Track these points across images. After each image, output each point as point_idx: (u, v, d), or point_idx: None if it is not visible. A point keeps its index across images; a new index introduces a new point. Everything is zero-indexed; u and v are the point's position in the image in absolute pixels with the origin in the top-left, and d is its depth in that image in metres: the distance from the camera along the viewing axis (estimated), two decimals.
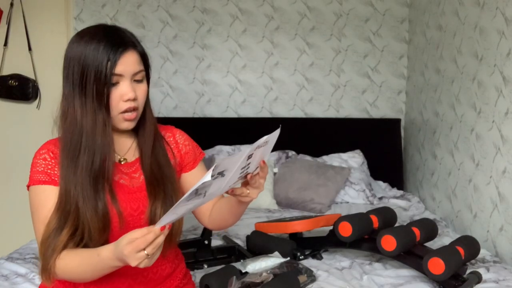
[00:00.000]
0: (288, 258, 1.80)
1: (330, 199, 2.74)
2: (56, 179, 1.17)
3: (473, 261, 1.92)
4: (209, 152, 2.96)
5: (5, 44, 3.03)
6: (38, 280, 1.69)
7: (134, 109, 1.18)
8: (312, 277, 1.70)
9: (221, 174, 0.99)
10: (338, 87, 3.28)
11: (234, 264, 1.73)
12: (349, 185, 2.90)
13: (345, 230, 1.80)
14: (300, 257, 1.90)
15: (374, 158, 3.15)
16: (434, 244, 1.99)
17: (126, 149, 1.28)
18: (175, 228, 1.24)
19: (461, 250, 1.67)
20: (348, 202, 2.88)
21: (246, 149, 1.01)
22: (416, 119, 3.11)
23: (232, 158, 0.99)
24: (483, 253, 2.01)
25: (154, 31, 3.14)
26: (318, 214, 2.47)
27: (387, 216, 1.96)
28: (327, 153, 3.10)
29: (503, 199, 2.10)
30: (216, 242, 2.08)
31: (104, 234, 1.16)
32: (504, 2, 2.08)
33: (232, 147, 3.01)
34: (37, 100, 3.07)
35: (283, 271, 1.67)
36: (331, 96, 3.28)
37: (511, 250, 2.03)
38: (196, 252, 1.93)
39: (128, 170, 1.26)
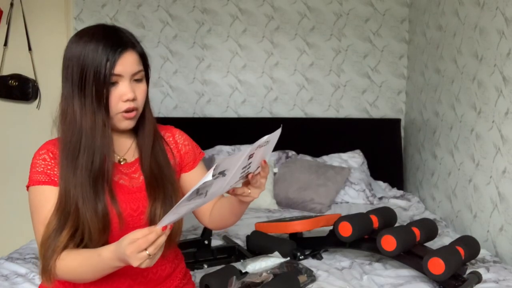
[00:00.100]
0: (288, 258, 1.80)
1: (330, 199, 2.74)
2: (55, 179, 1.17)
3: (473, 261, 1.92)
4: (209, 152, 2.96)
5: (5, 44, 3.03)
6: (38, 280, 1.69)
7: (133, 109, 1.18)
8: (312, 277, 1.70)
9: (222, 173, 0.99)
10: (338, 87, 3.28)
11: (234, 264, 1.73)
12: (349, 185, 2.90)
13: (345, 230, 1.80)
14: (300, 257, 1.90)
15: (374, 158, 3.15)
16: (434, 244, 1.99)
17: (126, 149, 1.28)
18: (175, 228, 1.24)
19: (461, 250, 1.67)
20: (348, 202, 2.88)
21: (246, 148, 1.01)
22: (416, 119, 3.11)
23: (233, 157, 0.99)
24: (483, 253, 2.01)
25: (154, 31, 3.14)
26: (318, 214, 2.47)
27: (387, 216, 1.96)
28: (327, 153, 3.10)
29: (503, 199, 2.10)
30: (216, 242, 2.08)
31: (104, 235, 1.16)
32: (504, 2, 2.08)
33: (232, 147, 3.01)
34: (37, 100, 3.07)
35: (283, 271, 1.67)
36: (331, 96, 3.28)
37: (511, 250, 2.03)
38: (196, 252, 1.93)
39: (128, 171, 1.26)
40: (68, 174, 1.15)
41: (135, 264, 1.01)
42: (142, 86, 1.20)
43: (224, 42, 3.19)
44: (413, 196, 2.99)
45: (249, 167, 1.08)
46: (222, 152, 2.96)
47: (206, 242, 1.98)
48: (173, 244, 1.30)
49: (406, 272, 1.80)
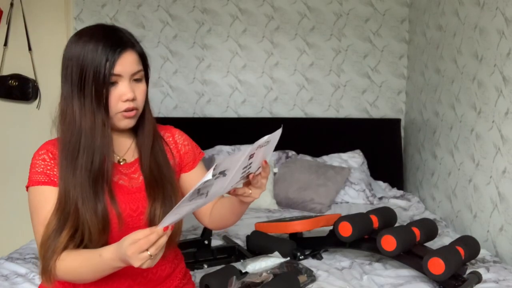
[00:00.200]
0: (288, 258, 1.80)
1: (330, 199, 2.74)
2: (55, 179, 1.17)
3: (473, 261, 1.92)
4: (209, 152, 2.96)
5: (5, 44, 3.03)
6: (38, 280, 1.69)
7: (133, 109, 1.18)
8: (312, 277, 1.70)
9: (223, 173, 0.99)
10: (338, 87, 3.28)
11: (234, 264, 1.73)
12: (349, 185, 2.89)
13: (345, 230, 1.80)
14: (300, 257, 1.90)
15: (374, 158, 3.15)
16: (434, 244, 1.99)
17: (125, 149, 1.27)
18: (175, 228, 1.23)
19: (461, 250, 1.67)
20: (348, 202, 2.87)
21: (246, 148, 1.01)
22: (416, 119, 3.11)
23: (233, 157, 0.99)
24: (483, 253, 2.01)
25: (154, 31, 3.14)
26: (318, 214, 2.47)
27: (387, 216, 1.96)
28: (327, 153, 3.10)
29: (503, 199, 2.10)
30: (216, 242, 2.08)
31: (104, 235, 1.16)
32: (504, 2, 2.08)
33: (232, 147, 3.01)
34: (37, 100, 3.07)
35: (283, 271, 1.67)
36: (331, 96, 3.28)
37: (511, 250, 2.03)
38: (196, 252, 1.93)
39: (127, 171, 1.25)
40: (67, 174, 1.14)
41: (136, 264, 1.01)
42: (141, 86, 1.20)
43: (224, 42, 3.19)
44: (413, 196, 2.99)
45: (250, 167, 1.08)
46: (222, 152, 2.96)
47: (206, 242, 1.98)
48: (173, 244, 1.30)
49: (406, 272, 1.80)
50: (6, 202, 3.09)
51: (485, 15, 2.24)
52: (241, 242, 2.10)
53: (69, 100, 1.15)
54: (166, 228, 1.01)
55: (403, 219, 2.52)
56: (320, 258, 1.95)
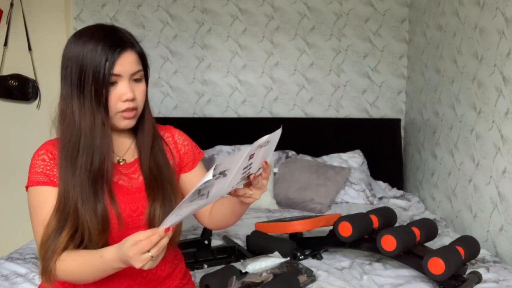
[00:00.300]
0: (288, 258, 1.80)
1: (330, 199, 2.74)
2: (55, 180, 1.17)
3: (473, 261, 1.92)
4: (209, 152, 2.96)
5: (5, 44, 3.03)
6: (38, 280, 1.69)
7: (133, 109, 1.18)
8: (312, 277, 1.70)
9: (223, 174, 0.98)
10: (338, 87, 3.28)
11: (234, 264, 1.73)
12: (349, 185, 2.89)
13: (345, 230, 1.80)
14: (300, 257, 1.90)
15: (374, 158, 3.15)
16: (434, 244, 1.98)
17: (125, 149, 1.27)
18: (175, 228, 1.24)
19: (461, 250, 1.67)
20: (348, 202, 2.87)
21: (246, 148, 1.01)
22: (416, 119, 3.11)
23: (233, 157, 0.99)
24: (483, 253, 2.01)
25: (154, 31, 3.14)
26: (318, 214, 2.47)
27: (387, 216, 1.96)
28: (327, 153, 3.10)
29: (503, 199, 2.10)
30: (216, 242, 2.08)
31: (103, 236, 1.16)
32: (504, 2, 2.08)
33: (232, 147, 3.01)
34: (37, 100, 3.07)
35: (283, 271, 1.67)
36: (331, 96, 3.28)
37: (511, 250, 2.03)
38: (196, 252, 1.93)
39: (127, 171, 1.25)
40: (67, 174, 1.14)
41: (137, 266, 1.01)
42: (141, 86, 1.20)
43: (224, 42, 3.19)
44: (413, 196, 2.99)
45: (250, 167, 1.08)
46: (222, 152, 2.96)
47: (206, 242, 1.98)
48: (173, 245, 1.30)
49: (406, 272, 1.80)
50: (6, 202, 3.09)
51: (485, 15, 2.24)
52: (241, 242, 2.10)
53: (69, 100, 1.15)
54: (167, 229, 1.01)
55: (403, 219, 2.52)
56: (320, 258, 1.95)
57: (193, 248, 1.95)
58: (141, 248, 0.99)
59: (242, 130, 3.10)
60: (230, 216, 1.31)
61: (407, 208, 2.80)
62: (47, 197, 1.16)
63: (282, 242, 1.93)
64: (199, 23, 3.16)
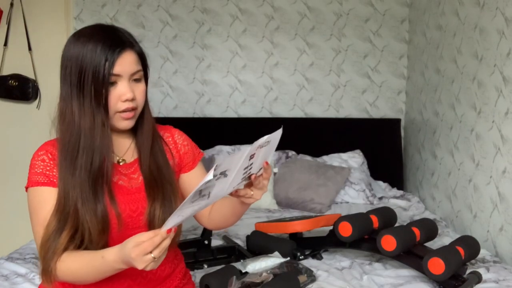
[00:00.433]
0: (288, 258, 1.80)
1: (330, 199, 2.74)
2: (54, 180, 1.16)
3: (473, 261, 1.92)
4: (209, 152, 2.96)
5: (5, 44, 3.03)
6: (38, 280, 1.69)
7: (132, 109, 1.17)
8: (312, 277, 1.70)
9: (224, 174, 0.98)
10: (338, 87, 3.28)
11: (234, 264, 1.73)
12: (349, 185, 2.89)
13: (345, 230, 1.80)
14: (300, 257, 1.90)
15: (374, 158, 3.15)
16: (434, 244, 1.98)
17: (125, 149, 1.27)
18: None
19: (461, 250, 1.67)
20: (348, 202, 2.87)
21: (246, 148, 1.01)
22: (416, 119, 3.11)
23: (233, 157, 0.99)
24: (483, 253, 2.01)
25: (154, 31, 3.14)
26: (318, 214, 2.47)
27: (387, 216, 1.96)
28: (327, 153, 3.10)
29: (503, 199, 2.10)
30: (216, 242, 2.08)
31: (103, 236, 1.16)
32: (504, 2, 2.08)
33: (232, 147, 3.00)
34: (37, 100, 3.07)
35: (283, 271, 1.67)
36: (331, 96, 3.28)
37: (511, 250, 2.03)
38: (196, 252, 1.93)
39: (127, 171, 1.25)
40: (67, 175, 1.14)
41: (140, 267, 1.01)
42: (141, 86, 1.20)
43: (224, 42, 3.19)
44: (413, 196, 2.99)
45: (251, 168, 1.08)
46: (222, 152, 2.96)
47: (206, 242, 1.98)
48: (173, 245, 1.30)
49: (406, 272, 1.80)
50: (6, 202, 3.09)
51: (485, 15, 2.24)
52: (241, 242, 2.10)
53: (68, 100, 1.15)
54: (169, 231, 1.01)
55: (403, 219, 2.52)
56: (320, 258, 1.94)
57: (193, 248, 1.95)
58: (143, 249, 1.00)
59: (242, 130, 3.10)
60: (230, 216, 1.31)
61: (407, 208, 2.80)
62: (47, 198, 1.16)
63: (282, 242, 1.93)
64: (199, 23, 3.16)
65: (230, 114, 3.24)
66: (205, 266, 1.87)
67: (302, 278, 1.65)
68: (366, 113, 3.31)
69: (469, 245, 1.75)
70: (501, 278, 1.78)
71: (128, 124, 1.20)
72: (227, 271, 1.62)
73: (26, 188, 1.20)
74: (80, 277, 1.14)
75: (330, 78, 3.26)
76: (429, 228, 1.87)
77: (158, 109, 3.17)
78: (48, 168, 1.17)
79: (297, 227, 1.97)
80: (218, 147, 3.00)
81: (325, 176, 2.80)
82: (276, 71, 3.23)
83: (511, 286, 1.71)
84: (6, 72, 3.04)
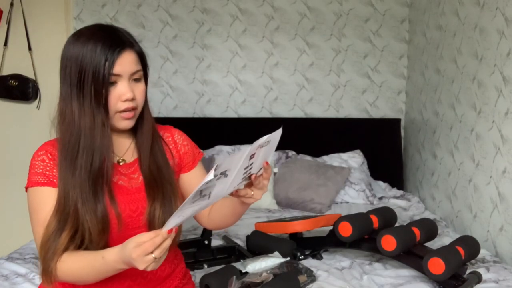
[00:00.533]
0: (288, 258, 1.80)
1: (330, 199, 2.74)
2: (54, 180, 1.16)
3: (473, 261, 1.92)
4: (209, 152, 2.96)
5: (5, 44, 3.03)
6: (38, 280, 1.69)
7: (132, 109, 1.17)
8: (312, 277, 1.70)
9: (224, 174, 0.99)
10: (338, 87, 3.28)
11: (234, 264, 1.73)
12: (349, 185, 2.89)
13: (345, 230, 1.80)
14: (300, 257, 1.90)
15: (374, 158, 3.15)
16: (434, 244, 1.99)
17: (125, 149, 1.27)
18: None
19: (461, 250, 1.67)
20: (348, 202, 2.87)
21: (246, 148, 1.01)
22: (416, 119, 3.11)
23: (233, 157, 0.99)
24: (483, 253, 2.01)
25: (154, 31, 3.14)
26: (318, 214, 2.47)
27: (387, 216, 1.96)
28: (327, 153, 3.10)
29: (503, 199, 2.10)
30: (216, 242, 2.08)
31: (103, 236, 1.16)
32: (504, 2, 2.08)
33: (232, 147, 3.00)
34: (37, 100, 3.07)
35: (283, 271, 1.67)
36: (331, 96, 3.28)
37: (511, 250, 2.03)
38: (196, 252, 1.93)
39: (127, 171, 1.25)
40: (67, 175, 1.14)
41: (141, 267, 1.01)
42: (141, 85, 1.20)
43: (224, 42, 3.19)
44: (413, 196, 2.99)
45: (251, 168, 1.08)
46: (222, 152, 2.96)
47: (206, 242, 1.98)
48: (173, 245, 1.30)
49: (406, 272, 1.80)
50: (6, 202, 3.09)
51: (485, 15, 2.24)
52: (241, 242, 2.10)
53: (68, 100, 1.15)
54: (170, 231, 1.01)
55: (403, 219, 2.52)
56: (320, 258, 1.94)
57: (193, 248, 1.95)
58: (144, 249, 0.99)
59: (242, 130, 3.10)
60: (230, 216, 1.31)
61: (407, 208, 2.80)
62: (47, 198, 1.16)
63: (282, 242, 1.93)
64: (199, 23, 3.16)
65: (230, 114, 3.24)
66: (205, 266, 1.87)
67: (302, 278, 1.65)
68: (366, 113, 3.31)
69: (469, 245, 1.75)
70: (501, 278, 1.78)
71: (128, 124, 1.20)
72: (227, 271, 1.62)
73: (26, 188, 1.20)
74: (81, 277, 1.14)
75: (330, 78, 3.26)
76: (429, 228, 1.87)
77: (158, 109, 3.17)
78: (48, 168, 1.17)
79: (297, 227, 1.97)
80: (218, 147, 3.00)
81: (325, 176, 2.80)
82: (276, 71, 3.23)
83: (511, 286, 1.71)
84: (6, 72, 3.04)
